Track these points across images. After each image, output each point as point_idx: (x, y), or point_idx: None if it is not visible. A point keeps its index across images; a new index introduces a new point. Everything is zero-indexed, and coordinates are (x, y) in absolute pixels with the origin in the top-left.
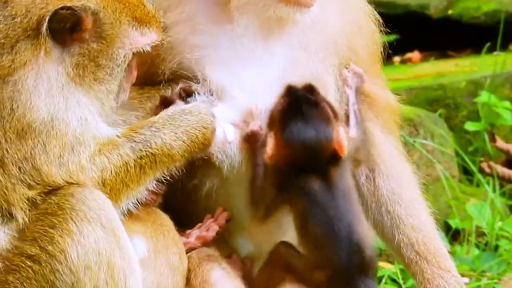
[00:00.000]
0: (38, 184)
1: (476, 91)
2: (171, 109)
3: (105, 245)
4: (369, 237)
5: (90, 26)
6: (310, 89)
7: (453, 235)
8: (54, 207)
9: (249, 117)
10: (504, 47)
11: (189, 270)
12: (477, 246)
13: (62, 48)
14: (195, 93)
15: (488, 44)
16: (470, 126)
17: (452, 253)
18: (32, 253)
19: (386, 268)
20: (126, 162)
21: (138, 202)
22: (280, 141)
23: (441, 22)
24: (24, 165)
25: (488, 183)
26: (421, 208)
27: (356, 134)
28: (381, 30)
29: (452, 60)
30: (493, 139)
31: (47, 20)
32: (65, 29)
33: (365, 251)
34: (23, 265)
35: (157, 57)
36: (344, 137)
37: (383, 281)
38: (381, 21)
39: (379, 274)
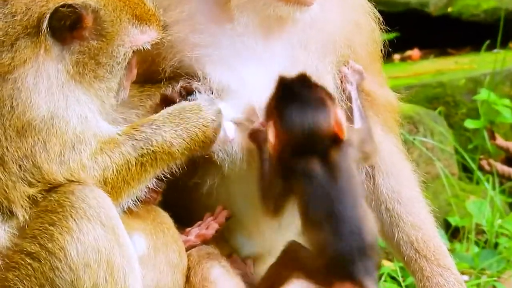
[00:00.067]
0: (39, 182)
1: (475, 89)
2: (171, 107)
3: (105, 243)
4: (371, 222)
5: (91, 24)
6: (303, 76)
7: (453, 233)
8: (54, 205)
9: (250, 115)
10: (503, 45)
11: (188, 268)
12: (476, 243)
13: (62, 46)
14: (195, 92)
15: (487, 42)
16: (469, 123)
17: (452, 251)
18: (32, 251)
19: (385, 265)
20: (127, 160)
21: (138, 200)
22: (279, 128)
23: (440, 19)
24: (25, 163)
25: (487, 180)
26: (420, 206)
27: (361, 126)
28: (381, 28)
29: (452, 57)
30: (492, 137)
31: (47, 17)
32: (65, 26)
33: (367, 235)
34: (23, 262)
35: (158, 56)
36: (342, 119)
37: (383, 278)
38: (381, 19)
39: (379, 272)
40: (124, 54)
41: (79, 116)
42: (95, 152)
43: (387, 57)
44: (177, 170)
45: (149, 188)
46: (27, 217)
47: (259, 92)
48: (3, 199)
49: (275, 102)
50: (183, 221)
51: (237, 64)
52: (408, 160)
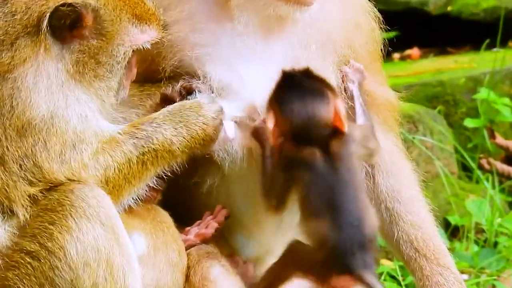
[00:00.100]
0: (39, 181)
1: (475, 88)
2: (172, 106)
3: (104, 242)
4: (372, 216)
5: (90, 23)
6: (306, 69)
7: (453, 232)
8: (54, 203)
9: (251, 114)
10: (503, 44)
11: (188, 267)
12: (476, 242)
13: (62, 45)
14: (195, 91)
15: (487, 41)
16: (469, 122)
17: (451, 250)
18: (32, 249)
19: (385, 264)
20: (129, 159)
21: (138, 199)
22: (279, 115)
23: (440, 18)
24: (25, 162)
25: (487, 179)
26: (420, 205)
27: (364, 123)
28: (380, 27)
29: (452, 56)
30: (492, 136)
31: (47, 16)
32: (65, 25)
33: (366, 228)
34: (23, 261)
35: (158, 55)
36: (343, 111)
37: (382, 277)
38: (381, 18)
39: (378, 270)
40: (124, 54)
41: (79, 115)
42: (96, 152)
43: (386, 56)
44: (177, 169)
45: (149, 186)
46: (28, 216)
47: (259, 91)
48: (3, 199)
49: (276, 90)
50: (183, 220)
51: (237, 63)
52: (408, 159)
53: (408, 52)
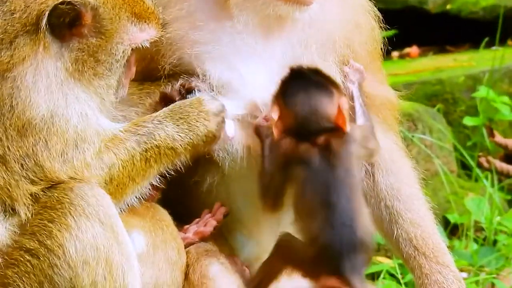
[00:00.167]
0: (41, 180)
1: (474, 86)
2: (172, 104)
3: (103, 241)
4: (366, 219)
5: (90, 21)
6: (314, 66)
7: (452, 230)
8: (53, 201)
9: (251, 113)
10: (502, 42)
11: (187, 265)
12: (475, 241)
13: (61, 43)
14: (195, 90)
15: (486, 39)
16: (468, 121)
17: (451, 248)
18: (31, 247)
19: (384, 263)
20: (132, 156)
21: (142, 197)
22: (284, 109)
23: (439, 17)
24: (27, 162)
25: (486, 178)
26: (420, 203)
27: (363, 123)
28: (380, 26)
29: (451, 55)
30: (491, 134)
31: (46, 15)
32: (65, 24)
33: (358, 229)
34: (22, 259)
35: (157, 53)
36: (346, 109)
37: (382, 276)
38: (380, 17)
39: (378, 269)
40: (123, 52)
41: (79, 114)
42: (100, 151)
43: (386, 54)
44: (180, 168)
45: (152, 185)
46: (29, 214)
47: (259, 90)
48: (6, 198)
49: (283, 84)
50: (183, 219)
51: (237, 62)
52: (408, 157)
53: (407, 50)
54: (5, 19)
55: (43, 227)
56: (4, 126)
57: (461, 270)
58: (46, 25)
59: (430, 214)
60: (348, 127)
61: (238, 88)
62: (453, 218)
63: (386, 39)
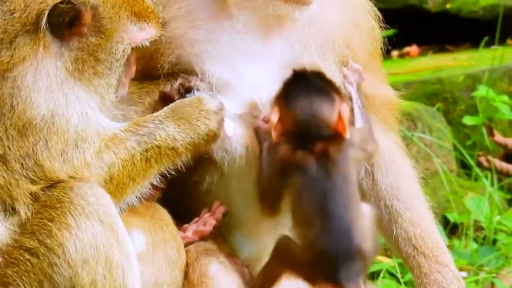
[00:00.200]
0: (41, 179)
1: (474, 85)
2: (173, 104)
3: (103, 240)
4: (364, 226)
5: (89, 20)
6: (317, 70)
7: (451, 229)
8: (53, 200)
9: (250, 112)
10: (502, 41)
11: (187, 264)
12: (475, 240)
13: (61, 42)
14: (194, 89)
15: (486, 38)
16: (468, 120)
17: (450, 247)
18: (31, 246)
19: (384, 262)
20: (132, 156)
21: (142, 197)
22: (284, 112)
23: (439, 16)
24: (27, 161)
25: (486, 177)
26: (419, 202)
27: (362, 126)
28: (380, 26)
29: (450, 54)
30: (491, 133)
31: (46, 14)
32: (64, 23)
33: (355, 237)
34: (22, 258)
35: (156, 52)
36: (346, 116)
37: (381, 275)
38: (380, 17)
39: (377, 268)
40: (123, 51)
41: (80, 113)
42: (100, 150)
43: (385, 53)
44: (181, 167)
45: (152, 185)
46: (29, 214)
47: (258, 90)
48: (6, 197)
49: (285, 86)
50: (182, 219)
51: (236, 61)
52: (408, 156)
53: (407, 49)
54: (5, 19)
55: (43, 226)
56: (5, 126)
57: (461, 269)
58: (46, 24)
59: (429, 213)
60: (348, 134)
61: (237, 87)
62: (452, 217)
63: (386, 38)
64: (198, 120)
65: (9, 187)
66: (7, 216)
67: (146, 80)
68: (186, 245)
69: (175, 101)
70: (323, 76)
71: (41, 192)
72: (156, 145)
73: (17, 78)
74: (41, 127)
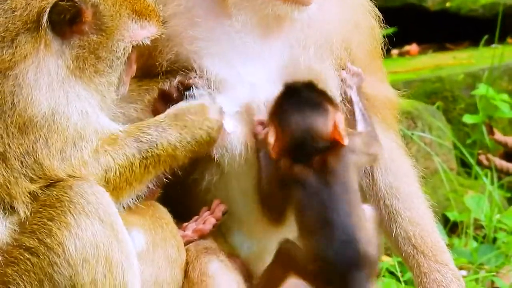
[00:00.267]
0: (40, 178)
1: (474, 84)
2: (177, 107)
3: (103, 239)
4: (368, 232)
5: (90, 18)
6: (308, 81)
7: (451, 228)
8: (52, 199)
9: (249, 110)
10: (502, 40)
11: (187, 263)
12: (475, 238)
13: (62, 40)
14: (193, 86)
15: (486, 37)
16: (468, 118)
17: (450, 246)
18: (31, 246)
19: (384, 261)
20: (131, 162)
21: (138, 198)
22: (279, 131)
23: (439, 14)
24: (26, 159)
25: (486, 175)
26: (419, 201)
27: (364, 129)
28: (380, 26)
29: (450, 52)
30: (491, 132)
31: (47, 11)
32: (65, 21)
33: (360, 245)
34: (22, 257)
35: (155, 49)
36: (342, 125)
37: (381, 274)
38: (380, 16)
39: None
40: (123, 49)
41: (80, 112)
42: (96, 150)
43: (385, 52)
44: (177, 171)
45: (149, 187)
46: (28, 213)
47: (257, 90)
48: (5, 195)
49: (276, 104)
50: (182, 217)
51: (235, 60)
52: (407, 156)
53: (406, 48)
54: (6, 17)
55: (42, 225)
56: (5, 124)
57: (461, 268)
58: (47, 22)
59: (429, 212)
60: (346, 141)
61: (236, 86)
62: (452, 216)
63: (386, 37)
64: (201, 129)
65: (8, 185)
66: (6, 215)
67: (145, 78)
68: (185, 243)
69: (174, 98)
70: (314, 86)
71: (40, 191)
72: (157, 153)
73: (18, 76)
74: (42, 125)
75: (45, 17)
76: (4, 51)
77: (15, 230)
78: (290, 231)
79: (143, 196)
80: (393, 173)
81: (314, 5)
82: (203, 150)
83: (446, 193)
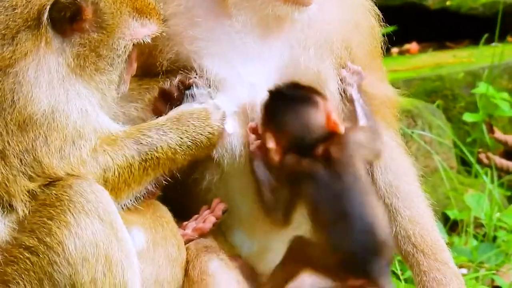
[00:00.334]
0: (39, 176)
1: (474, 82)
2: (180, 111)
3: (103, 238)
4: (383, 219)
5: (90, 16)
6: (290, 83)
7: (451, 226)
8: (52, 198)
9: (248, 110)
10: (502, 38)
11: (187, 262)
12: (475, 237)
13: (62, 38)
14: (193, 86)
15: (486, 35)
16: (468, 117)
17: (450, 244)
18: (30, 245)
19: None
20: (130, 164)
21: (137, 199)
22: (276, 134)
23: (439, 13)
24: (25, 157)
25: (486, 174)
26: (419, 200)
27: (366, 124)
28: (380, 24)
29: (450, 51)
30: (491, 130)
31: (47, 9)
32: (66, 18)
33: (379, 232)
34: (21, 256)
35: (155, 48)
36: (335, 113)
37: None
38: (381, 15)
39: None
40: (124, 47)
41: (80, 110)
42: (95, 149)
43: (385, 51)
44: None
45: (148, 189)
46: (27, 211)
47: (257, 89)
48: (3, 193)
49: (266, 109)
50: (183, 217)
51: (235, 60)
52: (407, 154)
53: (406, 46)
54: (6, 15)
55: (42, 224)
56: (5, 121)
57: (461, 267)
58: (47, 20)
59: (429, 211)
60: (342, 129)
61: (236, 86)
62: (452, 214)
63: (386, 36)
64: (202, 135)
65: (7, 183)
66: (5, 213)
67: (145, 77)
68: (185, 242)
69: (175, 97)
70: (298, 85)
71: (39, 190)
72: (157, 156)
73: (18, 74)
74: (42, 122)
75: (46, 15)
76: (5, 49)
77: (14, 228)
78: (290, 229)
79: (142, 197)
80: (393, 171)
81: (314, 5)
82: (203, 154)
83: (446, 192)
